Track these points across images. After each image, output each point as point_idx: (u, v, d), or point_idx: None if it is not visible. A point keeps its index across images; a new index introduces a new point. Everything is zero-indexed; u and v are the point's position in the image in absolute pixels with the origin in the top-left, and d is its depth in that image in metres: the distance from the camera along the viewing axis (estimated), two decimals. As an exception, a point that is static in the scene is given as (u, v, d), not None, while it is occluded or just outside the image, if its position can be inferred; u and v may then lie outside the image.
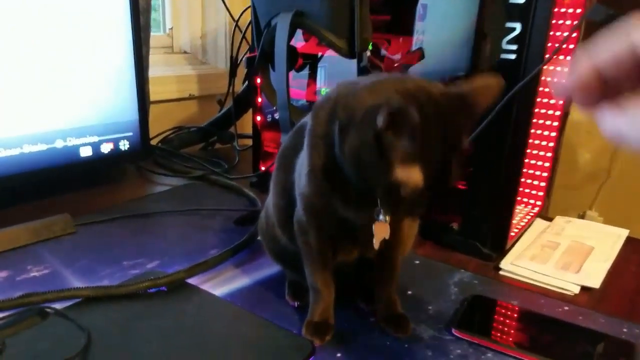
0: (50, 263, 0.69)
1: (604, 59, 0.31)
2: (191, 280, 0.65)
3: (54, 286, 0.60)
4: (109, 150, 0.93)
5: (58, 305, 0.57)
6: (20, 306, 0.57)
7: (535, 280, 0.70)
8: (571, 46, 0.75)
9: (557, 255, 0.76)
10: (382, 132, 0.41)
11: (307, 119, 0.53)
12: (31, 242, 0.73)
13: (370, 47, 0.74)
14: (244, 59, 0.95)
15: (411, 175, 0.42)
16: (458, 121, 0.45)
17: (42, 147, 0.84)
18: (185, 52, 1.45)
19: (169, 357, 0.52)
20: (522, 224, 0.85)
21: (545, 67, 0.65)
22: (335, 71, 0.90)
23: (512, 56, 0.65)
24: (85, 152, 0.90)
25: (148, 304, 0.60)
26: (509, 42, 0.65)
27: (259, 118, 1.00)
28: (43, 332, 0.54)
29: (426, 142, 0.42)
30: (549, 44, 0.65)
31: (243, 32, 1.15)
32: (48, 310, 0.56)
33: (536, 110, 0.74)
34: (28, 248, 0.72)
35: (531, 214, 0.89)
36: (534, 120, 0.78)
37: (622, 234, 0.85)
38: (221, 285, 0.66)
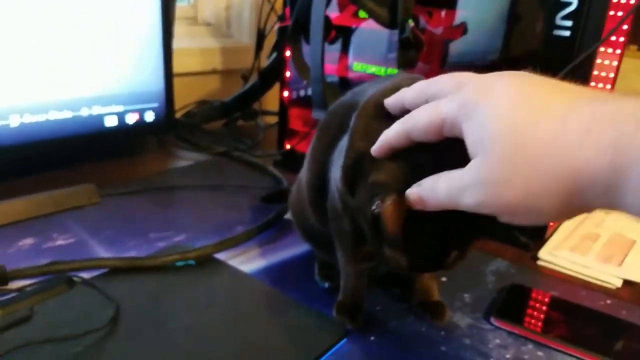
0: (75, 232, 0.67)
1: (417, 128, 0.36)
2: (218, 256, 0.63)
3: (80, 255, 0.59)
4: (134, 121, 0.91)
5: (85, 275, 0.56)
6: (47, 274, 0.56)
7: (575, 272, 0.67)
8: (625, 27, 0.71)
9: (597, 247, 0.73)
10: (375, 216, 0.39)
11: (356, 106, 0.48)
12: (56, 210, 0.72)
13: (410, 21, 0.71)
14: (275, 29, 0.92)
15: (397, 259, 0.41)
16: (468, 221, 0.39)
17: (67, 114, 0.82)
18: (209, 24, 1.42)
19: (199, 331, 0.50)
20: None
21: (601, 48, 0.61)
22: (368, 45, 0.87)
23: (567, 33, 0.61)
24: (111, 121, 0.88)
25: (176, 278, 0.59)
26: (564, 17, 0.61)
27: (286, 93, 0.97)
28: (70, 301, 0.53)
29: (419, 236, 0.39)
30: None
31: (272, 2, 1.12)
32: (75, 279, 0.55)
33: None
34: (53, 216, 0.71)
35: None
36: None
37: (664, 227, 0.82)
38: (248, 262, 0.64)
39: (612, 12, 0.65)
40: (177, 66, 1.11)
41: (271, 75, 1.16)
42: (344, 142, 0.48)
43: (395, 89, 0.43)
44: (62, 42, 0.79)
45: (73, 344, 0.46)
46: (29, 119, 0.78)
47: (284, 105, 0.98)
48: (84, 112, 0.84)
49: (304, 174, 0.59)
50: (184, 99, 1.20)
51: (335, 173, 0.48)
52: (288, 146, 0.99)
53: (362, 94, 0.49)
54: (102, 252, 0.63)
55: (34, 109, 0.78)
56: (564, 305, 0.60)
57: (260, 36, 1.16)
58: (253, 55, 1.19)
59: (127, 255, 0.61)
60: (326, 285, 0.60)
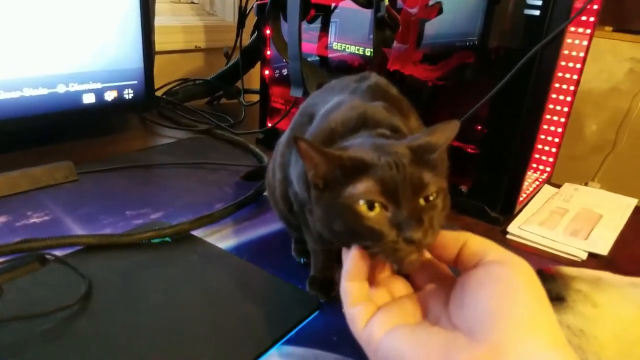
0: (51, 210, 0.68)
1: None
2: (195, 233, 0.64)
3: (55, 233, 0.59)
4: (113, 98, 0.91)
5: (58, 253, 0.56)
6: (19, 252, 0.56)
7: (543, 245, 0.69)
8: (595, 7, 0.72)
9: (565, 221, 0.75)
10: None
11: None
12: (32, 188, 0.72)
13: (385, 0, 0.71)
14: (254, 7, 0.91)
15: None
16: None
17: (43, 91, 0.82)
18: (192, 2, 1.41)
19: (173, 307, 0.51)
20: (531, 189, 0.83)
21: (572, 28, 0.62)
22: (351, 26, 0.87)
23: (536, 12, 0.62)
24: (88, 98, 0.87)
25: (152, 255, 0.59)
26: (534, -3, 0.62)
27: (267, 72, 0.97)
28: (42, 278, 0.53)
29: None
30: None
31: (253, -19, 1.11)
32: (48, 256, 0.55)
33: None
34: (28, 194, 0.71)
35: (540, 180, 0.88)
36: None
37: (631, 203, 0.84)
38: (226, 238, 0.65)
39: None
40: (160, 44, 1.11)
41: (253, 53, 1.16)
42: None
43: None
44: (37, 18, 0.78)
45: (42, 321, 0.46)
46: (3, 95, 0.77)
47: (265, 84, 0.98)
48: (61, 89, 0.84)
49: (276, 162, 0.57)
50: (166, 77, 1.19)
51: (293, 174, 0.48)
52: (270, 124, 1.00)
53: (323, 102, 0.50)
54: (78, 229, 0.63)
55: (8, 86, 0.78)
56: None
57: (242, 14, 1.15)
58: (235, 34, 1.19)
59: (102, 233, 0.62)
60: (302, 260, 0.61)
